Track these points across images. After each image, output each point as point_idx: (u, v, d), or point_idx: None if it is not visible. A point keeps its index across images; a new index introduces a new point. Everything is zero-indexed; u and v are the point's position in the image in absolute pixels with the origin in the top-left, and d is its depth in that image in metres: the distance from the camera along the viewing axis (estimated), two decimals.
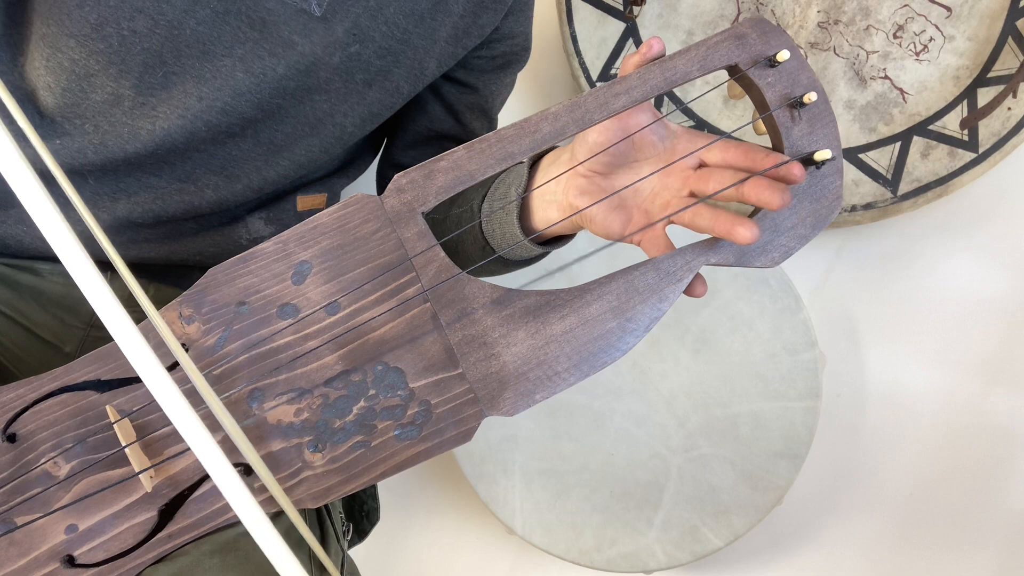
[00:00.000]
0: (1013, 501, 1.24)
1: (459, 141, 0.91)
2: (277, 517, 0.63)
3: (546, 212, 0.68)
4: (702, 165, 0.63)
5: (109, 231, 0.77)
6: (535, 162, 0.69)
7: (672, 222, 0.61)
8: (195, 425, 0.56)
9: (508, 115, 0.62)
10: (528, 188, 0.69)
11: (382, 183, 0.99)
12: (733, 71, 0.60)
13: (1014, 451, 1.24)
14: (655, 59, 0.60)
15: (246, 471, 0.62)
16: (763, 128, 0.61)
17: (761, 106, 0.60)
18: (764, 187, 0.56)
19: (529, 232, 0.70)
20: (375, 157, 0.99)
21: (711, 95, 1.17)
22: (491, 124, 0.95)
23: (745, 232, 0.56)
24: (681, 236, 0.63)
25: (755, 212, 0.60)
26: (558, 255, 0.74)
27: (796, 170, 0.57)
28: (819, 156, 0.58)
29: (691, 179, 0.62)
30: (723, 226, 0.57)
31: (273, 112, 0.77)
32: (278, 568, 0.57)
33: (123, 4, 0.70)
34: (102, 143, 0.75)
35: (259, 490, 0.63)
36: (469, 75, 0.89)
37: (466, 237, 0.77)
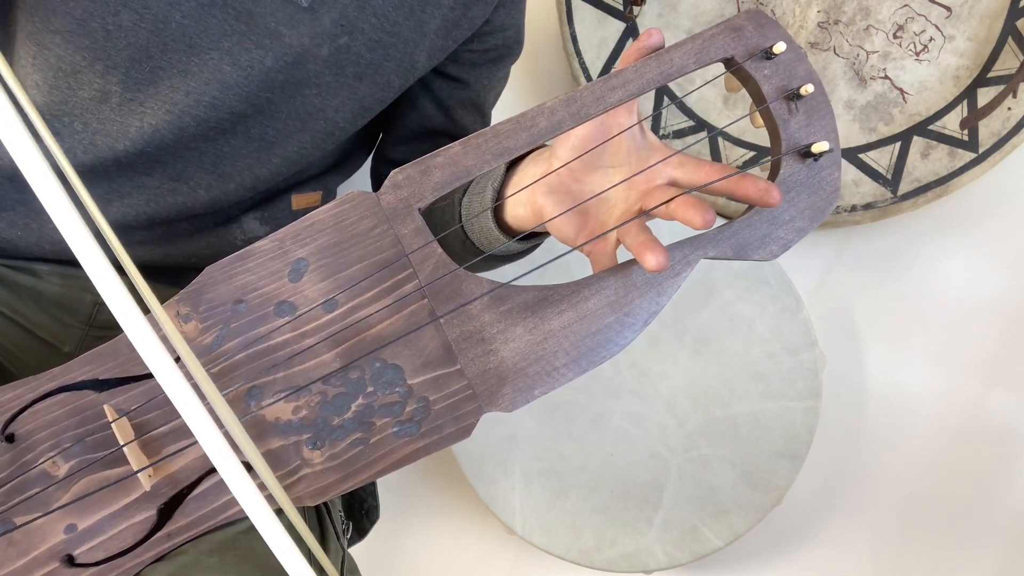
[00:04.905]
0: (1013, 501, 1.24)
1: (451, 136, 0.91)
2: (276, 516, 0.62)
3: (515, 209, 0.68)
4: (674, 183, 0.61)
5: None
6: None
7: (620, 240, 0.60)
8: (202, 417, 0.56)
9: (508, 115, 0.62)
10: (505, 183, 0.69)
11: (376, 180, 0.99)
12: (729, 64, 0.60)
13: (1014, 451, 1.24)
14: (653, 49, 0.59)
15: (245, 468, 0.62)
16: (760, 121, 0.60)
17: (758, 99, 0.60)
18: (689, 205, 0.55)
19: (502, 227, 0.70)
20: (370, 154, 0.99)
21: (711, 95, 1.17)
22: (484, 119, 0.95)
23: (651, 258, 0.55)
24: (680, 231, 0.62)
25: (748, 210, 0.60)
26: (554, 248, 0.74)
27: (775, 194, 0.56)
28: (816, 148, 0.57)
29: (648, 196, 0.61)
30: (638, 248, 0.56)
31: (263, 107, 0.77)
32: (283, 562, 0.57)
33: None
34: (92, 142, 0.75)
35: (258, 488, 0.63)
36: (460, 69, 0.89)
37: (447, 230, 0.77)
